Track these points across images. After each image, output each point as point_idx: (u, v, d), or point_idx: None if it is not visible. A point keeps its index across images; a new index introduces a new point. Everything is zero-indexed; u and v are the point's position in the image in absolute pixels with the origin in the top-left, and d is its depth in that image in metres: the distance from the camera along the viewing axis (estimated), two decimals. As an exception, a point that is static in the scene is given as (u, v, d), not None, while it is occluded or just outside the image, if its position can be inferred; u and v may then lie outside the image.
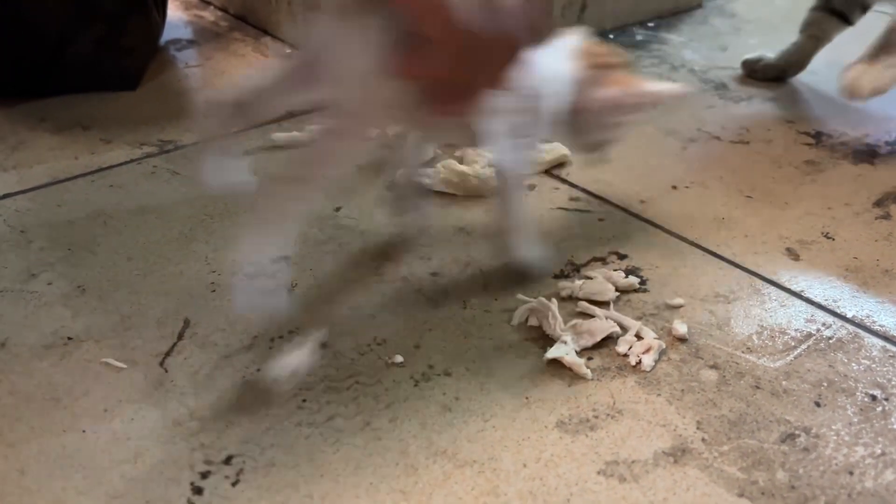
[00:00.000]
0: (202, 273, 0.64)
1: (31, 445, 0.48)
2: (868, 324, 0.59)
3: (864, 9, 0.95)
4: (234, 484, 0.46)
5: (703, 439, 0.49)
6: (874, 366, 0.55)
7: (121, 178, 0.78)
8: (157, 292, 0.61)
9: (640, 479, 0.46)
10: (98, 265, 0.64)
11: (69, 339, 0.57)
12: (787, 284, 0.63)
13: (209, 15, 1.23)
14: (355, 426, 0.50)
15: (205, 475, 0.46)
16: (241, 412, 0.50)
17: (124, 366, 0.54)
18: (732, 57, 1.06)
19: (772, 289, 0.63)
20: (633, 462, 0.47)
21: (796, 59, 0.99)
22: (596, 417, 0.51)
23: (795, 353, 0.56)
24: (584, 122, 0.61)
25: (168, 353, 0.55)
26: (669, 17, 1.23)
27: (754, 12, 1.25)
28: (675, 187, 0.77)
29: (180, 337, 0.57)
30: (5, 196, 0.74)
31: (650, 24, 1.19)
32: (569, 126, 0.62)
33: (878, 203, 0.74)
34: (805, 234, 0.69)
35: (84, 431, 0.49)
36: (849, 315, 0.60)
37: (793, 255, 0.67)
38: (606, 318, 0.58)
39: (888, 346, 0.57)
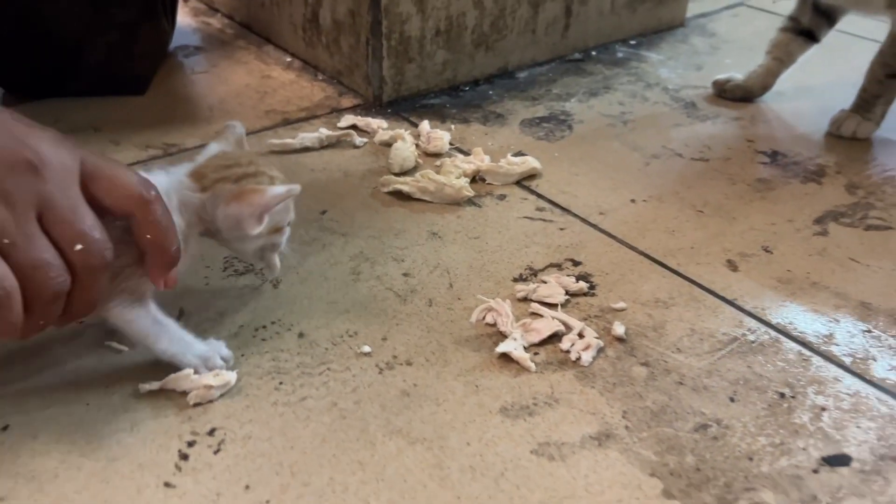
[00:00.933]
0: (198, 267, 0.71)
1: (43, 414, 0.56)
2: (789, 330, 0.66)
3: (831, 24, 1.01)
4: (215, 452, 0.53)
5: (627, 426, 0.56)
6: (788, 367, 0.62)
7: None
8: (156, 284, 0.69)
9: (567, 458, 0.53)
10: (105, 258, 0.72)
11: (77, 322, 0.64)
12: (721, 293, 0.70)
13: (216, 22, 1.31)
14: (324, 406, 0.57)
15: (191, 444, 0.54)
16: (225, 392, 0.58)
17: (125, 348, 0.61)
18: (706, 76, 1.12)
19: (708, 296, 0.69)
20: (562, 444, 0.54)
21: (762, 80, 1.05)
22: (535, 405, 0.58)
23: (719, 354, 0.63)
24: (229, 243, 0.60)
25: (164, 339, 0.63)
26: (651, 35, 1.29)
27: (734, 32, 1.32)
28: (633, 200, 0.84)
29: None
30: (23, 192, 0.81)
31: (632, 42, 1.25)
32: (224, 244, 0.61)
33: (818, 220, 0.81)
34: (746, 248, 0.76)
35: (88, 404, 0.56)
36: (773, 322, 0.67)
37: (732, 266, 0.74)
38: (553, 318, 0.65)
39: (803, 350, 0.64)
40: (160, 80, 1.09)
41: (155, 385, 0.58)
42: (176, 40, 1.19)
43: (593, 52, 1.21)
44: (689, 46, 1.25)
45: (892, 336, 0.65)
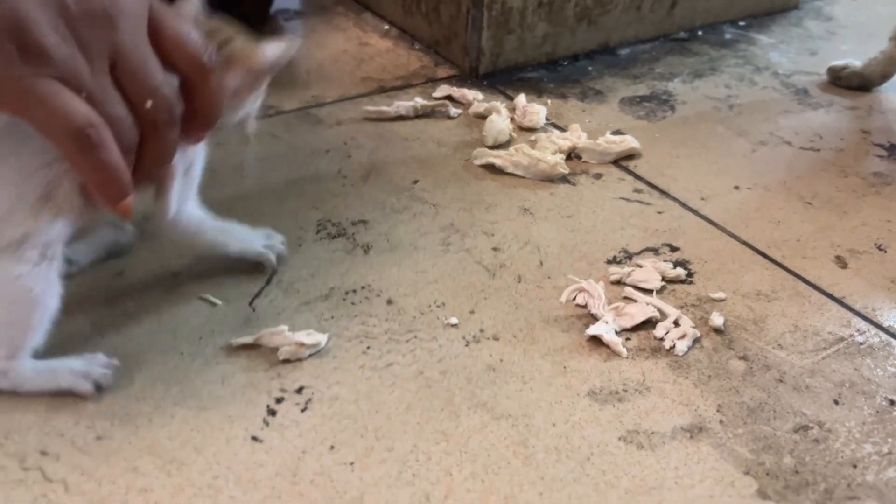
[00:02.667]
0: (292, 228, 0.72)
1: (139, 360, 0.57)
2: (902, 335, 0.62)
3: None
4: (302, 410, 0.54)
5: (721, 421, 0.54)
6: (899, 374, 0.58)
7: (224, 140, 0.86)
8: (250, 242, 0.70)
9: (657, 448, 0.52)
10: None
11: (175, 274, 0.66)
12: (828, 289, 0.66)
13: (317, -13, 1.31)
14: (410, 374, 0.57)
15: (279, 400, 0.54)
16: (315, 352, 0.58)
17: (219, 302, 0.63)
18: (820, 62, 1.06)
19: (813, 292, 0.66)
20: (652, 433, 0.53)
21: (882, 68, 0.99)
22: (625, 391, 0.56)
23: (824, 353, 0.60)
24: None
25: (257, 295, 0.64)
26: (763, 16, 1.23)
27: (852, 17, 1.24)
28: (737, 187, 0.80)
29: (268, 282, 0.65)
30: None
31: (741, 24, 1.20)
32: None
33: (940, 220, 0.76)
34: (857, 244, 0.72)
35: (182, 354, 0.58)
36: (885, 324, 0.63)
37: (841, 262, 0.70)
38: (648, 304, 0.63)
39: (917, 357, 0.60)
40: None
41: (248, 339, 0.58)
42: (277, 3, 1.20)
43: (699, 32, 1.16)
44: (802, 30, 1.19)
45: None
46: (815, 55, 1.11)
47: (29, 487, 0.48)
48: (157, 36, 0.47)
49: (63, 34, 0.42)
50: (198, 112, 0.50)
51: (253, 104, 0.58)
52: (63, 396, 0.54)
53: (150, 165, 0.49)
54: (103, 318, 0.60)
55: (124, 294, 0.62)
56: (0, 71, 0.41)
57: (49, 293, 0.51)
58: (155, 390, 0.55)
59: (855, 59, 1.02)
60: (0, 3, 0.40)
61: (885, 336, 0.62)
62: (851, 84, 1.01)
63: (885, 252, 0.71)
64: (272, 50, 0.55)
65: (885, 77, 0.99)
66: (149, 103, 0.46)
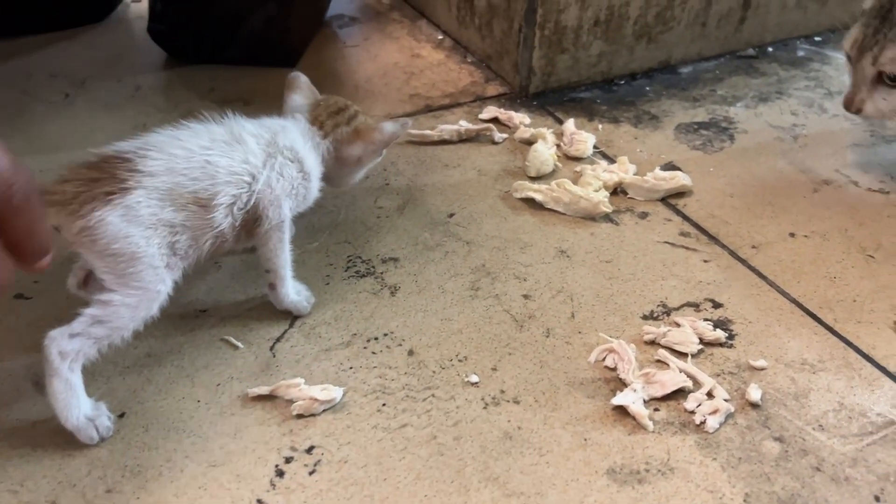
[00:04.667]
0: (321, 265, 0.71)
1: (156, 406, 0.57)
2: (961, 421, 0.57)
3: None
4: (310, 473, 0.53)
5: (747, 513, 0.50)
6: (952, 469, 0.53)
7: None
8: (278, 278, 0.69)
9: (674, 541, 0.49)
10: (235, 244, 0.73)
11: (202, 311, 0.66)
12: (882, 362, 0.61)
13: (374, -9, 1.29)
14: (423, 438, 0.55)
15: (288, 460, 0.54)
16: (329, 407, 0.57)
17: (241, 345, 0.62)
18: (901, 86, 0.98)
19: (865, 364, 0.61)
20: (670, 523, 0.50)
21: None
22: (647, 471, 0.53)
23: (870, 439, 0.55)
24: (338, 177, 0.70)
25: (279, 339, 0.63)
26: (843, 30, 1.15)
27: (942, 32, 1.15)
28: (792, 234, 0.75)
29: (291, 325, 0.64)
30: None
31: (817, 39, 1.12)
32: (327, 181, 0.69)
33: None
34: (921, 308, 0.67)
35: (198, 402, 0.58)
36: (942, 407, 0.58)
37: (900, 329, 0.65)
38: (681, 370, 0.60)
39: (976, 449, 0.55)
40: (313, 50, 1.09)
41: (264, 390, 0.58)
42: (333, 8, 1.19)
43: (769, 49, 1.10)
44: (884, 47, 1.11)
45: None
46: (896, 78, 1.03)
47: (36, 542, 0.48)
48: None
49: None
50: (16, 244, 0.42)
51: (372, 165, 0.71)
52: (77, 442, 0.54)
53: (20, 242, 0.42)
54: (126, 358, 0.61)
55: (147, 333, 0.62)
56: None
57: None
58: (168, 441, 0.55)
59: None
60: None
61: (941, 422, 0.57)
62: (934, 115, 0.93)
63: (952, 319, 0.66)
64: (390, 128, 0.68)
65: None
66: None
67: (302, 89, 0.69)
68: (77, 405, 0.53)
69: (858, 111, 0.76)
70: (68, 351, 0.53)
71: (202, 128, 0.61)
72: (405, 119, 0.67)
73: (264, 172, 0.60)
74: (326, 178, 0.68)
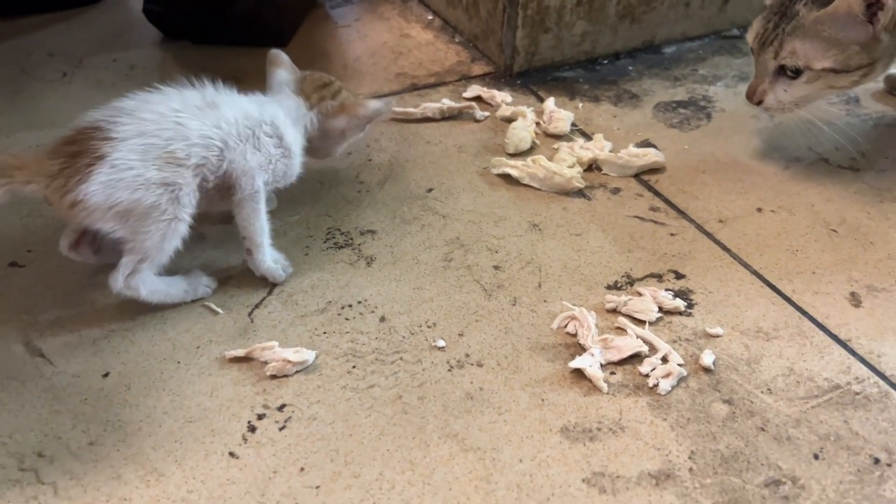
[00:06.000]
0: (301, 237, 0.74)
1: (139, 366, 0.61)
2: (904, 386, 0.59)
3: None
4: (280, 429, 0.56)
5: (691, 469, 0.53)
6: (891, 429, 0.56)
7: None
8: (260, 248, 0.72)
9: (619, 493, 0.52)
10: (220, 216, 0.76)
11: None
12: (834, 330, 0.64)
13: (368, -29, 1.31)
14: (389, 397, 0.58)
15: (260, 416, 0.57)
16: (302, 368, 0.60)
17: (221, 311, 0.65)
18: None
19: (818, 332, 0.64)
20: (617, 477, 0.53)
21: (944, 78, 0.92)
22: (599, 430, 0.56)
23: (815, 402, 0.58)
24: (321, 148, 0.73)
25: (257, 306, 0.66)
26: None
27: (928, 13, 1.15)
28: (760, 210, 0.77)
29: (270, 292, 0.68)
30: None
31: (802, 19, 1.13)
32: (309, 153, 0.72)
33: (974, 257, 0.71)
34: (877, 280, 0.69)
35: (179, 363, 0.61)
36: (887, 373, 0.60)
37: (855, 300, 0.67)
38: (638, 337, 0.62)
39: (916, 412, 0.57)
40: (305, 31, 1.12)
41: (240, 352, 0.61)
42: (326, -11, 1.21)
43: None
44: (868, 28, 1.12)
45: None
46: (877, 58, 1.04)
47: (23, 489, 0.52)
48: None
49: None
50: None
51: (354, 140, 0.75)
52: (64, 399, 0.58)
53: None
54: (112, 321, 0.64)
55: (133, 302, 0.65)
56: None
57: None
58: (148, 398, 0.58)
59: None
60: None
61: (884, 385, 0.59)
62: (910, 94, 0.95)
63: (906, 291, 0.68)
64: (374, 105, 0.72)
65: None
66: None
67: (284, 65, 0.73)
68: (172, 294, 0.64)
69: (760, 102, 0.77)
70: (134, 285, 0.62)
71: (175, 92, 0.64)
72: (389, 98, 0.71)
73: (240, 144, 0.63)
74: (309, 149, 0.72)
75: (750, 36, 0.78)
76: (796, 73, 0.74)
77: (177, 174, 0.60)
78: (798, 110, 0.78)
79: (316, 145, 0.72)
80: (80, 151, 0.58)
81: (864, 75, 0.73)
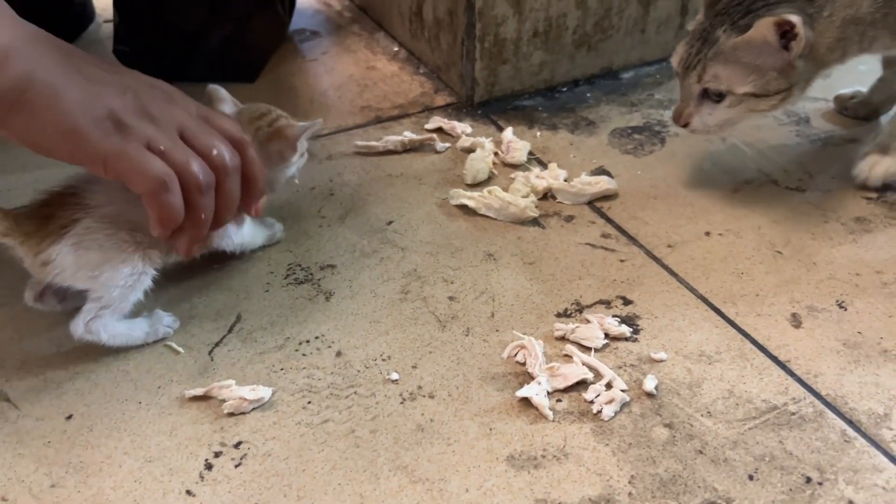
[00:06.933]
0: (262, 273, 0.76)
1: (101, 408, 0.63)
2: (839, 404, 0.61)
3: None
4: (236, 466, 0.58)
5: (630, 493, 0.55)
6: (824, 448, 0.58)
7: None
8: (223, 287, 0.74)
9: (560, 519, 0.54)
10: (184, 256, 0.78)
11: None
12: (774, 351, 0.66)
13: (336, 4, 1.34)
14: (342, 432, 0.60)
15: (217, 454, 0.59)
16: (259, 406, 0.62)
17: (182, 350, 0.67)
18: (832, 86, 1.03)
19: (758, 354, 0.66)
20: (559, 503, 0.55)
21: (888, 94, 0.95)
22: (543, 457, 0.58)
23: (752, 423, 0.60)
24: (270, 179, 0.74)
25: (217, 344, 0.68)
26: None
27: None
28: (708, 233, 0.80)
29: (230, 330, 0.70)
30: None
31: (757, 40, 1.16)
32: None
33: (913, 274, 0.74)
34: (818, 301, 0.71)
35: (140, 403, 0.63)
36: (823, 392, 0.62)
37: (796, 321, 0.69)
38: (584, 364, 0.64)
39: (848, 430, 0.59)
40: (273, 65, 1.15)
41: (199, 391, 0.63)
42: (296, 22, 1.24)
43: (710, 52, 1.14)
44: (822, 47, 1.15)
45: (959, 426, 0.59)
46: (829, 77, 1.07)
47: (-15, 532, 0.54)
48: (207, 123, 0.64)
49: (138, 113, 0.59)
50: (248, 179, 0.66)
51: (297, 165, 0.76)
52: (27, 443, 0.59)
53: (224, 205, 0.64)
54: (78, 364, 0.66)
55: (97, 345, 0.68)
56: (104, 142, 0.58)
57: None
58: (110, 439, 0.60)
59: (866, 85, 0.98)
60: (94, 101, 0.57)
61: (819, 405, 0.61)
62: (858, 114, 0.98)
63: (845, 310, 0.70)
64: (302, 125, 0.74)
65: (893, 103, 0.96)
66: (214, 151, 0.62)
67: (225, 100, 0.75)
68: (134, 336, 0.67)
69: (686, 125, 0.80)
70: (95, 330, 0.64)
71: None
72: (316, 119, 0.74)
73: None
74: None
75: (675, 60, 0.80)
76: (720, 97, 0.77)
77: (147, 234, 0.63)
78: (722, 133, 0.81)
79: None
80: (54, 214, 0.61)
81: (783, 99, 0.76)
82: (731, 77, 0.75)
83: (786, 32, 0.72)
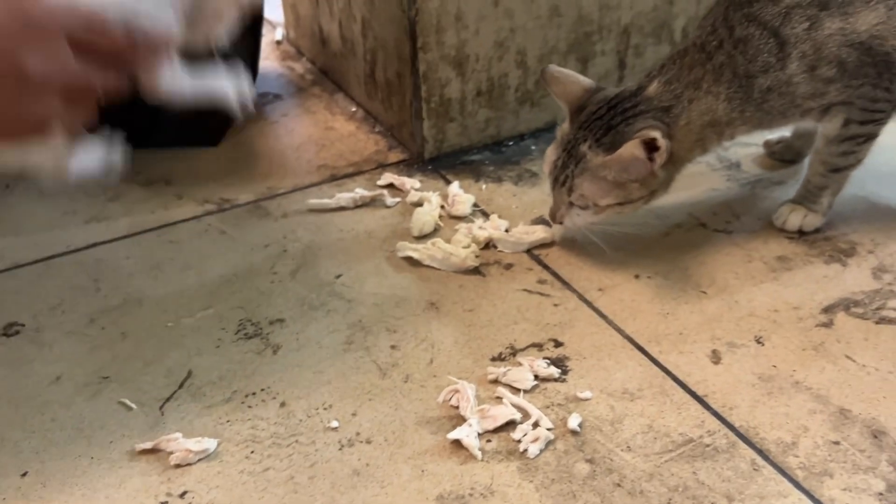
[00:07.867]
0: (213, 330, 0.80)
1: (55, 465, 0.66)
2: (750, 435, 0.65)
3: None
4: (180, 514, 0.61)
5: (550, 527, 0.59)
6: (734, 477, 0.62)
7: (179, 234, 0.96)
8: (175, 343, 0.78)
9: (483, 554, 0.57)
10: (141, 315, 0.82)
11: (105, 378, 0.75)
12: (693, 387, 0.70)
13: (300, 67, 1.40)
14: (282, 479, 0.64)
15: (163, 504, 0.62)
16: (205, 457, 0.66)
17: (134, 406, 0.71)
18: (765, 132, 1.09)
19: (678, 390, 0.70)
20: (483, 539, 0.58)
21: (807, 138, 1.01)
22: (471, 495, 0.61)
23: (668, 456, 0.64)
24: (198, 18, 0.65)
25: (168, 399, 0.72)
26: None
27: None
28: (637, 276, 0.84)
29: (181, 386, 0.73)
30: (93, 245, 0.94)
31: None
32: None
33: (827, 309, 0.78)
34: (738, 337, 0.75)
35: (92, 458, 0.66)
36: (736, 424, 0.66)
37: (715, 357, 0.73)
38: (514, 405, 0.68)
39: (758, 459, 0.63)
40: (235, 130, 1.20)
41: (148, 444, 0.67)
42: (259, 86, 1.30)
43: (650, 102, 1.20)
44: (756, 94, 1.21)
45: (860, 451, 0.63)
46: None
47: (-61, 587, 0.57)
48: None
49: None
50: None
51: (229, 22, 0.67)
52: (-17, 501, 0.63)
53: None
54: (34, 423, 0.70)
55: (54, 401, 0.71)
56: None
57: None
58: (62, 494, 0.63)
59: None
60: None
61: (732, 436, 0.65)
62: (785, 157, 1.03)
63: (762, 345, 0.74)
64: None
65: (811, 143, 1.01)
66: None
67: None
68: None
69: (561, 223, 0.85)
70: None
71: None
72: None
73: None
74: None
75: (546, 167, 0.86)
76: (586, 206, 0.82)
77: None
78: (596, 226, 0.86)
79: None
80: None
81: (646, 202, 0.82)
82: (595, 193, 0.80)
83: (649, 146, 0.77)
